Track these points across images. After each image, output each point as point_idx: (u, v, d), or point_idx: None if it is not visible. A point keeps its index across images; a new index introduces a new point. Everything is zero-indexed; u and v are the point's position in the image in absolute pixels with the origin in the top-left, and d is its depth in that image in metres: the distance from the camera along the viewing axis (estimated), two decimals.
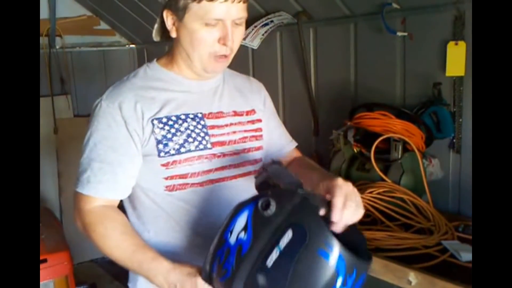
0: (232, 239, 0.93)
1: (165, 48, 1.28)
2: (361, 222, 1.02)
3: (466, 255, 1.45)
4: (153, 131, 1.16)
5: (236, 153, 1.25)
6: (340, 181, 0.98)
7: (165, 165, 1.17)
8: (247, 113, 1.31)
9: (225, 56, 1.17)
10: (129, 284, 1.28)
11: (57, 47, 3.70)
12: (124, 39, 4.04)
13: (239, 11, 1.12)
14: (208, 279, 0.98)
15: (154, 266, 1.07)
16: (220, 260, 0.94)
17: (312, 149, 2.51)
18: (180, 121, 1.19)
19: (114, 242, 1.11)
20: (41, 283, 2.22)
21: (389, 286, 1.46)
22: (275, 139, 1.38)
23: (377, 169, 1.79)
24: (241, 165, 1.25)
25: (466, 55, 1.77)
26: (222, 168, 1.22)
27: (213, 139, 1.22)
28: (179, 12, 1.13)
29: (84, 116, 3.60)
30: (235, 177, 1.24)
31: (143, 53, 3.96)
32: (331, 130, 2.13)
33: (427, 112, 1.91)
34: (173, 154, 1.17)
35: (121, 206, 1.22)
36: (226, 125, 1.25)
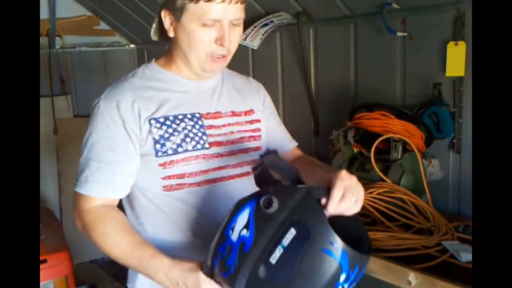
0: (234, 236, 0.93)
1: (165, 49, 1.28)
2: None
3: (466, 256, 1.45)
4: (150, 131, 1.16)
5: (234, 153, 1.25)
6: (343, 173, 0.98)
7: (163, 165, 1.17)
8: (246, 113, 1.31)
9: (223, 56, 1.17)
10: (128, 285, 1.28)
11: (57, 47, 3.70)
12: (124, 39, 4.04)
13: (237, 12, 1.12)
14: (210, 274, 0.98)
15: (154, 263, 1.06)
16: (222, 256, 0.94)
17: (312, 149, 2.51)
18: (177, 121, 1.19)
19: (114, 240, 1.11)
20: (41, 283, 2.22)
21: (389, 286, 1.46)
22: (275, 138, 1.38)
23: (377, 170, 1.79)
24: (239, 165, 1.25)
25: (466, 55, 1.77)
26: (220, 168, 1.22)
27: (211, 139, 1.22)
28: (177, 12, 1.13)
29: (84, 116, 3.60)
30: (232, 177, 1.24)
31: (143, 54, 3.96)
32: (331, 130, 2.13)
33: (427, 112, 1.91)
34: (170, 154, 1.17)
35: (120, 206, 1.22)
36: (224, 125, 1.26)
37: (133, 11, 3.30)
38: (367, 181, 1.84)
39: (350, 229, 0.98)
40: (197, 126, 1.21)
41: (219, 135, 1.24)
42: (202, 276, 0.99)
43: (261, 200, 0.90)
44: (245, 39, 2.44)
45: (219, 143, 1.23)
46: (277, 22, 2.45)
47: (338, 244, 0.85)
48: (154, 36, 1.27)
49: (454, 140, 1.91)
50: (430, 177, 1.86)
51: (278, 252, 0.87)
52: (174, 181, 1.18)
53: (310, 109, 2.51)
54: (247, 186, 1.20)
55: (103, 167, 1.14)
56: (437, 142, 1.92)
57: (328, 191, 0.95)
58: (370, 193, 1.71)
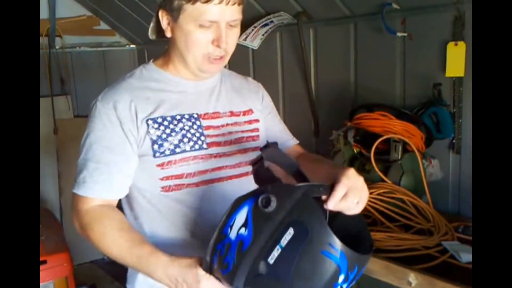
0: (233, 234, 0.92)
1: (165, 49, 1.28)
2: None
3: (466, 256, 1.45)
4: (148, 132, 1.16)
5: (233, 153, 1.25)
6: (351, 172, 0.97)
7: (161, 165, 1.17)
8: (244, 113, 1.31)
9: (220, 58, 1.17)
10: (128, 286, 1.27)
11: (57, 47, 3.70)
12: (124, 39, 4.04)
13: (234, 13, 1.12)
14: (209, 270, 0.98)
15: (153, 261, 1.06)
16: (221, 253, 0.94)
17: (312, 149, 2.51)
18: (175, 122, 1.19)
19: (112, 239, 1.11)
20: (41, 284, 2.22)
21: (389, 287, 1.46)
22: (275, 135, 1.37)
23: (377, 170, 1.79)
24: (237, 166, 1.25)
25: (466, 55, 1.77)
26: (218, 168, 1.22)
27: (209, 140, 1.22)
28: (174, 13, 1.13)
29: (84, 116, 3.56)
30: (231, 177, 1.24)
31: (143, 54, 3.96)
32: (331, 131, 2.13)
33: (427, 112, 1.91)
34: (168, 155, 1.17)
35: (120, 207, 1.22)
36: (223, 126, 1.25)
37: (133, 11, 3.30)
38: (367, 182, 1.83)
39: (352, 226, 0.98)
40: (195, 127, 1.21)
41: (217, 135, 1.24)
42: (201, 272, 0.99)
43: (259, 199, 0.90)
44: (245, 39, 2.44)
45: (217, 144, 1.23)
46: (277, 22, 2.45)
47: (337, 246, 0.85)
48: (151, 36, 1.27)
49: (454, 141, 1.91)
50: (430, 178, 1.86)
51: (276, 252, 0.87)
52: (172, 182, 1.18)
53: (310, 109, 2.51)
54: (246, 186, 1.20)
55: (101, 168, 1.14)
56: (437, 142, 1.92)
57: (331, 188, 0.94)
58: (370, 193, 1.71)
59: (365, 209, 1.00)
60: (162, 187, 1.18)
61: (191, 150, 1.19)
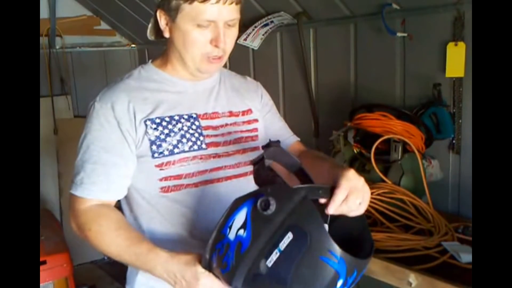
0: (231, 235, 0.92)
1: (164, 49, 1.28)
2: None
3: (466, 257, 1.45)
4: (146, 132, 1.16)
5: (232, 153, 1.25)
6: (351, 173, 0.96)
7: (159, 166, 1.16)
8: (243, 113, 1.31)
9: (218, 57, 1.16)
10: (127, 286, 1.27)
11: (57, 47, 3.70)
12: (125, 39, 4.04)
13: (231, 13, 1.12)
14: (208, 267, 0.98)
15: (151, 258, 1.06)
16: (219, 252, 0.94)
17: (313, 149, 2.51)
18: (173, 122, 1.19)
19: (109, 238, 1.11)
20: (40, 285, 2.22)
21: (389, 287, 1.46)
22: (275, 133, 1.36)
23: (377, 170, 1.79)
24: (236, 166, 1.25)
25: (466, 56, 1.77)
26: (217, 169, 1.22)
27: (208, 140, 1.21)
28: (172, 13, 1.13)
29: (84, 116, 3.58)
30: (230, 178, 1.23)
31: (144, 54, 3.96)
32: (331, 131, 2.13)
33: (427, 113, 1.91)
34: (166, 155, 1.16)
35: (119, 208, 1.22)
36: (222, 126, 1.25)
37: (134, 11, 3.30)
38: (367, 182, 1.83)
39: (353, 226, 0.97)
40: (193, 127, 1.21)
41: (216, 135, 1.23)
42: (200, 269, 0.99)
43: (259, 202, 0.89)
44: (245, 39, 2.44)
45: (216, 144, 1.23)
46: (278, 22, 2.46)
47: (336, 253, 0.84)
48: (150, 36, 1.27)
49: (454, 141, 1.91)
50: (430, 178, 1.86)
51: (274, 255, 0.86)
52: (171, 182, 1.18)
53: (310, 109, 2.51)
54: (245, 187, 1.20)
55: (98, 169, 1.13)
56: (437, 142, 1.92)
57: (331, 190, 0.93)
58: (371, 193, 1.70)
59: (365, 210, 1.00)
60: (161, 188, 1.18)
61: (190, 151, 1.18)
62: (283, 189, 0.92)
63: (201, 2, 1.08)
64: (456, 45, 1.79)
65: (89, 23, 3.85)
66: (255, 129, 1.32)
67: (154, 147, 1.16)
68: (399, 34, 1.95)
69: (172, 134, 1.17)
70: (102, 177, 1.13)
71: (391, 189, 1.75)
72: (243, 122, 1.30)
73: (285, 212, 0.88)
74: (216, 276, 0.98)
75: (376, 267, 1.45)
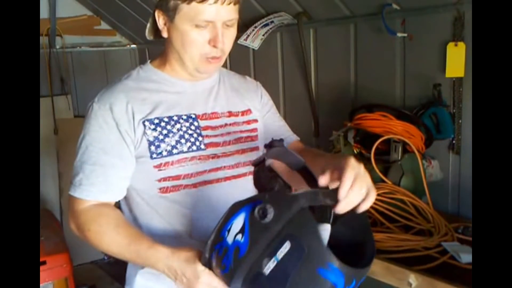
0: (230, 239, 0.91)
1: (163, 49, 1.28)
2: None
3: (465, 257, 1.45)
4: (144, 133, 1.15)
5: (231, 154, 1.24)
6: (353, 160, 0.94)
7: (158, 166, 1.16)
8: (243, 113, 1.31)
9: (217, 57, 1.16)
10: (126, 287, 1.27)
11: (57, 47, 3.70)
12: (125, 39, 4.04)
13: (230, 13, 1.11)
14: (207, 265, 0.98)
15: (151, 254, 1.06)
16: (218, 253, 0.94)
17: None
18: (172, 122, 1.18)
19: (109, 237, 1.11)
20: (40, 285, 2.22)
21: None
22: (275, 132, 1.35)
23: (377, 170, 1.79)
24: (236, 166, 1.24)
25: (466, 56, 1.77)
26: (217, 169, 1.21)
27: (207, 140, 1.21)
28: (170, 13, 1.13)
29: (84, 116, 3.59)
30: (229, 178, 1.23)
31: (144, 54, 3.96)
32: (331, 131, 2.13)
33: (427, 113, 1.91)
34: (165, 156, 1.16)
35: (118, 207, 1.21)
36: (221, 126, 1.25)
37: (134, 11, 3.30)
38: None
39: (355, 230, 0.96)
40: (192, 127, 1.20)
41: (215, 135, 1.23)
42: (200, 267, 0.99)
43: (256, 210, 0.88)
44: (246, 39, 2.44)
45: (215, 144, 1.22)
46: (278, 22, 2.46)
47: (334, 264, 0.83)
48: (149, 36, 1.27)
49: (454, 141, 1.91)
50: (430, 178, 1.86)
51: (272, 263, 0.85)
52: (170, 183, 1.17)
53: (310, 109, 2.51)
54: (244, 187, 1.20)
55: (97, 170, 1.13)
56: (437, 143, 1.92)
57: (333, 192, 0.91)
58: None
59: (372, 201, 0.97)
60: (160, 189, 1.18)
61: (188, 151, 1.18)
62: (282, 196, 0.91)
63: (199, 2, 1.08)
64: (456, 45, 1.79)
65: (89, 23, 3.86)
66: (255, 129, 1.32)
67: (152, 148, 1.16)
68: (399, 34, 1.95)
69: (170, 134, 1.17)
70: (101, 178, 1.13)
71: (391, 189, 1.75)
72: (243, 122, 1.29)
73: (283, 220, 0.86)
74: (216, 275, 0.98)
75: (376, 268, 1.45)
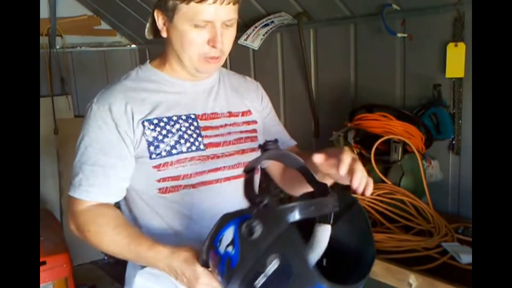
0: (221, 249, 0.91)
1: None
2: None
3: (465, 257, 1.45)
4: (144, 133, 1.15)
5: (231, 154, 1.24)
6: (346, 150, 1.02)
7: (157, 167, 1.16)
8: (243, 113, 1.30)
9: (216, 57, 1.16)
10: (126, 287, 1.27)
11: (58, 47, 3.70)
12: (125, 39, 4.04)
13: (229, 13, 1.11)
14: (206, 265, 0.98)
15: (152, 255, 1.06)
16: (214, 259, 0.94)
17: (313, 150, 2.50)
18: (171, 123, 1.18)
19: (109, 237, 1.11)
20: (40, 285, 2.22)
21: None
22: (273, 135, 1.34)
23: (377, 171, 1.79)
24: (236, 167, 1.24)
25: (466, 56, 1.77)
26: (216, 169, 1.21)
27: (206, 140, 1.21)
28: (169, 13, 1.12)
29: None
30: (229, 178, 1.23)
31: (144, 54, 3.96)
32: (331, 132, 2.13)
33: (427, 113, 1.91)
34: (164, 156, 1.16)
35: (118, 207, 1.21)
36: (221, 126, 1.25)
37: (135, 11, 3.30)
38: None
39: (356, 231, 0.96)
40: (192, 127, 1.20)
41: (215, 136, 1.23)
42: (199, 268, 0.99)
43: (243, 226, 0.87)
44: (246, 39, 2.44)
45: (215, 144, 1.22)
46: (278, 22, 2.46)
47: (323, 284, 0.81)
48: (148, 36, 1.26)
49: (453, 142, 1.91)
50: (430, 179, 1.86)
51: (262, 278, 0.84)
52: (169, 183, 1.17)
53: (310, 110, 2.51)
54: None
55: (97, 171, 1.13)
56: (437, 143, 1.92)
57: (331, 199, 0.91)
58: (371, 194, 1.71)
59: (365, 210, 0.99)
60: (159, 189, 1.17)
61: (187, 151, 1.18)
62: (270, 212, 0.88)
63: (198, 2, 1.07)
64: (456, 45, 1.79)
65: (89, 23, 3.85)
66: (255, 130, 1.32)
67: (151, 148, 1.15)
68: (399, 35, 1.95)
69: (170, 135, 1.17)
70: (101, 179, 1.13)
71: (391, 189, 1.75)
72: (243, 123, 1.29)
73: (271, 237, 0.85)
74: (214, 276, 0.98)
75: (376, 268, 1.45)
